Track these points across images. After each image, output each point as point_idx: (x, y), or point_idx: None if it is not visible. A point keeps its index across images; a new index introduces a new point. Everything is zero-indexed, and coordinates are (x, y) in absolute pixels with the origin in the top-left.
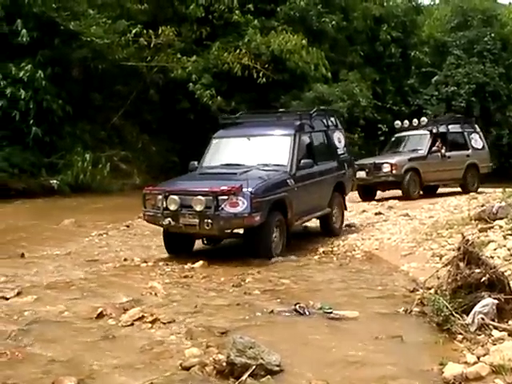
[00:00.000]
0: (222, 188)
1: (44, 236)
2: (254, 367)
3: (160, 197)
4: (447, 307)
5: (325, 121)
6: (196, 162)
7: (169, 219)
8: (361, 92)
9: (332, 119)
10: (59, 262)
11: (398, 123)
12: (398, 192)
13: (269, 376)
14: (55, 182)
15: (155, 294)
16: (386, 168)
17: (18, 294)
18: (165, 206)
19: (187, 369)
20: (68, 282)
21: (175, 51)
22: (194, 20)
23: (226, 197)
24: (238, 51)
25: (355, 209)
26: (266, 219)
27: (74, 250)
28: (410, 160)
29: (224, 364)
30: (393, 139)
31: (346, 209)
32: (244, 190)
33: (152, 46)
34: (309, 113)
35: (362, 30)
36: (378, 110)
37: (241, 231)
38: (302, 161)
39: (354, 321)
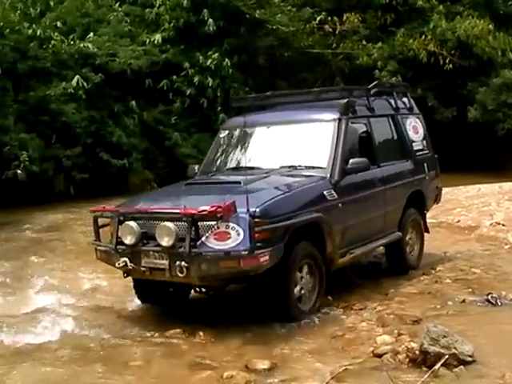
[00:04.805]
0: (202, 209)
1: None
2: (446, 357)
3: (114, 222)
4: None
5: (392, 101)
6: (196, 167)
7: (124, 259)
8: None
9: (405, 99)
10: None
11: None
12: None
13: (461, 366)
14: None
15: (349, 281)
16: None
17: None
18: (119, 236)
19: (379, 356)
20: None
21: (360, 38)
22: (378, 6)
23: (210, 222)
24: (423, 37)
25: None
26: (282, 258)
27: None
28: None
29: (417, 352)
30: None
31: (427, 231)
32: (240, 210)
33: (337, 33)
34: (365, 88)
35: None
36: None
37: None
38: (352, 161)
39: None
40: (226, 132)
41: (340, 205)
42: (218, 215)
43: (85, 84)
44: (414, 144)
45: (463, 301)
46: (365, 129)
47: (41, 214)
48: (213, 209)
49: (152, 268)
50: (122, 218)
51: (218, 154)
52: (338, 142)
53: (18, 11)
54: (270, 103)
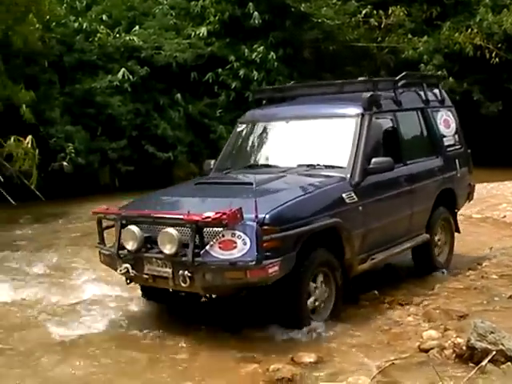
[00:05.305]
0: (206, 215)
1: None
2: (494, 353)
3: (117, 225)
4: None
5: (422, 93)
6: (212, 162)
7: (126, 266)
8: None
9: (436, 91)
10: None
11: None
12: None
13: (509, 363)
14: None
15: (394, 275)
16: None
17: None
18: (120, 242)
19: (426, 351)
20: None
21: (406, 32)
22: (423, 0)
23: (216, 229)
24: (469, 31)
25: None
26: (293, 267)
27: None
28: None
29: (464, 348)
30: None
31: (458, 230)
32: (247, 216)
33: (382, 26)
34: (392, 80)
35: None
36: None
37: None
38: (374, 160)
39: None
40: (243, 126)
41: (360, 208)
42: (223, 222)
43: (130, 77)
44: (444, 139)
45: (510, 296)
46: (390, 124)
47: (86, 206)
48: (217, 216)
49: (155, 276)
50: (124, 222)
51: (234, 150)
52: (359, 140)
53: (65, 4)
54: (290, 95)
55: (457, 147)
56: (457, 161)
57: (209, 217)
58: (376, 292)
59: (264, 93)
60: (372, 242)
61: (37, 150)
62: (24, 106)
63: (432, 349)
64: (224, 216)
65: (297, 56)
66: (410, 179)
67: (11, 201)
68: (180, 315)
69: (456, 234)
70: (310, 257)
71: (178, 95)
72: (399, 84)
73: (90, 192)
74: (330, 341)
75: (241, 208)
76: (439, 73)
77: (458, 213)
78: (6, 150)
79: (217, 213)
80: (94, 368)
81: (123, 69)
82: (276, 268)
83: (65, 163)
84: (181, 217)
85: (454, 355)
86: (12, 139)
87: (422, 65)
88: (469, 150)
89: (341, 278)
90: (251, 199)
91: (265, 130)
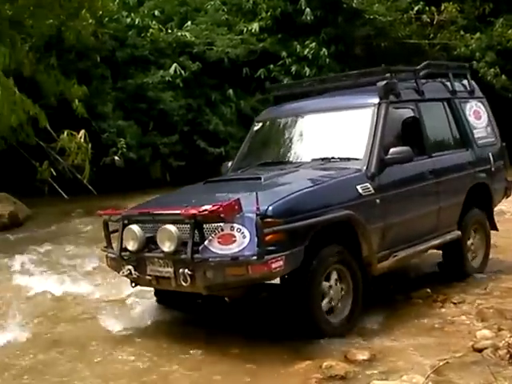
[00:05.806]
0: (203, 209)
1: None
2: None
3: (120, 226)
4: None
5: (448, 84)
6: (230, 163)
7: (129, 267)
8: None
9: (464, 82)
10: None
11: None
12: None
13: None
14: None
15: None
16: None
17: None
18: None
19: (479, 351)
20: None
21: (458, 28)
22: None
23: (217, 224)
24: None
25: None
26: (302, 263)
27: None
28: None
29: None
30: None
31: (495, 228)
32: (246, 208)
33: (434, 23)
34: (413, 69)
35: None
36: None
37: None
38: (392, 150)
39: None
40: (260, 124)
41: (378, 201)
42: (220, 214)
43: (182, 72)
44: (475, 131)
45: None
46: (412, 114)
47: (138, 200)
48: (214, 208)
49: (158, 276)
50: (126, 222)
51: (251, 149)
52: (376, 130)
53: (117, 0)
54: (307, 90)
55: (490, 140)
56: (490, 154)
57: (206, 210)
58: (429, 290)
59: (279, 90)
60: (394, 238)
61: (89, 145)
62: (76, 100)
63: (486, 348)
64: (221, 208)
65: (348, 52)
66: (436, 172)
67: (64, 195)
68: (236, 311)
69: (503, 233)
70: (322, 252)
71: (230, 91)
72: (421, 74)
73: (142, 186)
74: (383, 339)
75: (238, 199)
76: (491, 70)
77: (509, 212)
78: (59, 144)
79: (214, 205)
80: (147, 362)
81: (175, 64)
82: (280, 263)
83: (116, 158)
84: (178, 212)
85: (508, 355)
86: (65, 133)
87: (474, 62)
88: (504, 143)
89: (359, 276)
90: (260, 192)
91: (280, 126)
